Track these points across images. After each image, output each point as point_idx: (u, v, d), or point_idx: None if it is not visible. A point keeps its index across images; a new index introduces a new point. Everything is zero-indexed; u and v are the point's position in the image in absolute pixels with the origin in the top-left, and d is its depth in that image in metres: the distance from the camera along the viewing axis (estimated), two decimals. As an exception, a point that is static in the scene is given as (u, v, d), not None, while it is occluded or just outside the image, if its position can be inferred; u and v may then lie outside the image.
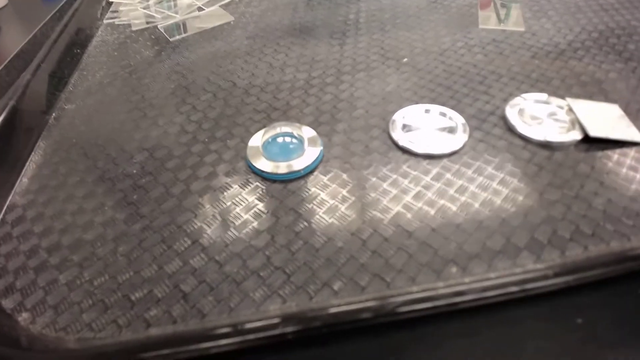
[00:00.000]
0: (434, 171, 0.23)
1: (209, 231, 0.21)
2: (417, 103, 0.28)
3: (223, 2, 0.42)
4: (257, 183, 0.23)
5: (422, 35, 0.35)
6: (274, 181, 0.23)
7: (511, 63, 0.31)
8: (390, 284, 0.18)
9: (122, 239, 0.21)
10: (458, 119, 0.26)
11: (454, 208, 0.21)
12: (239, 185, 0.23)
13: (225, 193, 0.23)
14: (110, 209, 0.23)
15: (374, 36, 0.35)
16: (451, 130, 0.25)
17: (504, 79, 0.29)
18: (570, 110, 0.26)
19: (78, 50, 0.37)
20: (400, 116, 0.26)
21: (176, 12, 0.40)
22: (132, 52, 0.36)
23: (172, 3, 0.42)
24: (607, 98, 0.27)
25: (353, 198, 0.22)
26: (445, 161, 0.24)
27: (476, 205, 0.21)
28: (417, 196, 0.22)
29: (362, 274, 0.19)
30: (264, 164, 0.24)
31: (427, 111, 0.27)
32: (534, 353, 0.16)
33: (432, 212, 0.21)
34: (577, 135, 0.24)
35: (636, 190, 0.22)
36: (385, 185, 0.23)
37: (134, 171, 0.25)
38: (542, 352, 0.17)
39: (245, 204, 0.22)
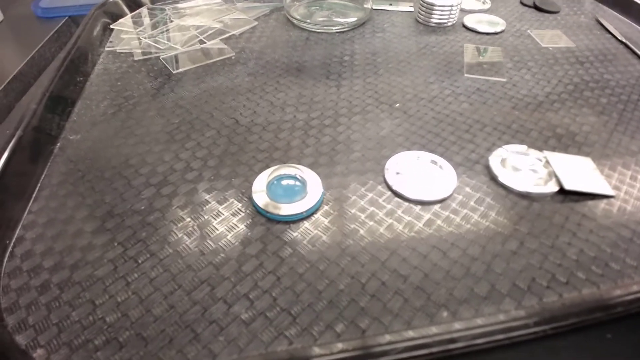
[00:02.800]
0: (426, 217, 0.25)
1: (216, 272, 0.22)
2: (408, 149, 0.30)
3: (224, 36, 0.44)
4: (262, 223, 0.25)
5: (412, 81, 0.37)
6: (278, 222, 0.25)
7: (494, 113, 0.34)
8: (388, 327, 0.20)
9: (132, 276, 0.22)
10: (447, 167, 0.28)
11: (442, 254, 0.23)
12: (245, 226, 0.25)
13: (232, 233, 0.24)
14: (120, 245, 0.24)
15: (368, 79, 0.38)
16: (441, 177, 0.28)
17: (488, 129, 0.32)
18: (548, 162, 0.29)
19: (81, 79, 0.38)
20: (394, 161, 0.29)
21: (185, 42, 0.42)
22: (134, 82, 0.37)
23: (171, 35, 0.44)
24: (580, 151, 0.30)
25: (352, 241, 0.24)
26: (436, 208, 0.26)
27: (462, 251, 0.23)
28: (412, 241, 0.24)
29: (362, 317, 0.20)
30: (268, 205, 0.25)
31: (418, 158, 0.29)
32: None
33: (424, 258, 0.23)
34: (554, 187, 0.27)
35: (605, 240, 0.24)
36: (381, 229, 0.25)
37: (142, 207, 0.26)
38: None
39: (251, 245, 0.24)
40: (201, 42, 0.43)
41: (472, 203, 0.26)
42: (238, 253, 0.23)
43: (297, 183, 0.27)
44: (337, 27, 0.46)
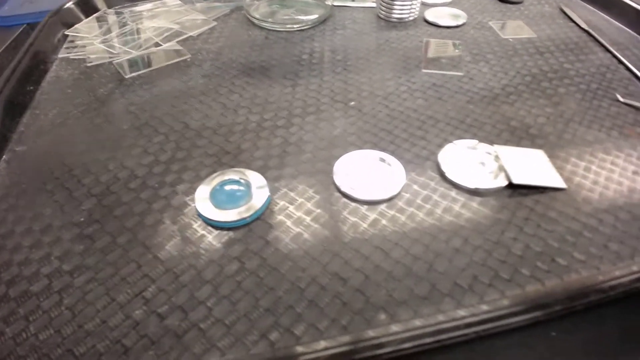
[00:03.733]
0: (371, 217, 0.25)
1: (152, 284, 0.22)
2: (360, 148, 0.30)
3: (181, 38, 0.43)
4: (204, 231, 0.24)
5: (369, 78, 0.37)
6: (221, 229, 0.24)
7: (448, 108, 0.33)
8: (324, 333, 0.20)
9: (67, 291, 0.22)
10: (396, 165, 0.28)
11: (385, 255, 0.23)
12: (187, 234, 0.24)
13: (171, 242, 0.24)
14: (57, 259, 0.23)
15: (325, 78, 0.37)
16: (389, 175, 0.27)
17: (441, 124, 0.32)
18: (498, 157, 0.28)
19: (31, 87, 0.37)
20: (343, 161, 0.28)
21: (140, 46, 0.41)
22: (85, 89, 0.36)
23: (126, 38, 0.43)
24: (533, 143, 0.30)
25: (295, 246, 0.23)
26: (382, 207, 0.25)
27: (405, 251, 0.23)
28: (354, 243, 0.23)
29: (298, 323, 0.20)
30: (211, 212, 0.25)
31: (366, 157, 0.28)
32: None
33: (367, 259, 0.23)
34: (502, 182, 0.26)
35: (552, 235, 0.24)
36: (326, 232, 0.24)
37: (82, 219, 0.25)
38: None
39: (191, 253, 0.23)
40: (157, 44, 0.42)
41: (418, 201, 0.26)
42: (176, 263, 0.23)
43: (241, 188, 0.26)
44: (297, 25, 0.45)
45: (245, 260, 0.23)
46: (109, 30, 0.44)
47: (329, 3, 0.47)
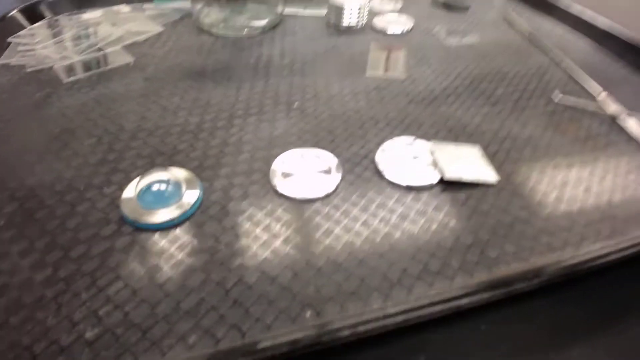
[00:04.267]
0: (306, 215, 0.24)
1: (68, 293, 0.21)
2: (300, 147, 0.29)
3: (125, 43, 0.42)
4: (130, 234, 0.23)
5: (314, 81, 0.37)
6: (148, 230, 0.23)
7: (389, 109, 0.34)
8: (246, 333, 0.19)
9: (-28, 300, 0.20)
10: (332, 162, 0.28)
11: (317, 251, 0.22)
12: (110, 237, 0.23)
13: (94, 247, 0.23)
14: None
15: (270, 81, 0.37)
16: (326, 173, 0.27)
17: (380, 125, 0.32)
18: (432, 152, 0.28)
19: (-39, 93, 0.35)
20: (280, 161, 0.28)
21: (81, 51, 0.40)
22: (22, 94, 0.35)
23: (69, 44, 0.41)
24: (469, 140, 0.30)
25: (223, 247, 0.23)
26: (317, 204, 0.25)
27: (337, 248, 0.23)
28: (286, 241, 0.23)
29: (219, 325, 0.19)
30: (138, 213, 0.24)
31: (302, 155, 0.28)
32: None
33: (298, 256, 0.22)
34: (435, 178, 0.27)
35: (483, 227, 0.24)
36: (257, 230, 0.24)
37: (1, 223, 0.24)
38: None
39: (113, 258, 0.22)
40: (99, 49, 0.41)
41: (353, 197, 0.26)
42: (95, 266, 0.22)
43: (169, 188, 0.25)
44: (246, 30, 0.45)
45: (172, 262, 0.22)
46: (52, 37, 0.43)
47: (280, 11, 0.47)
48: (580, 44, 0.45)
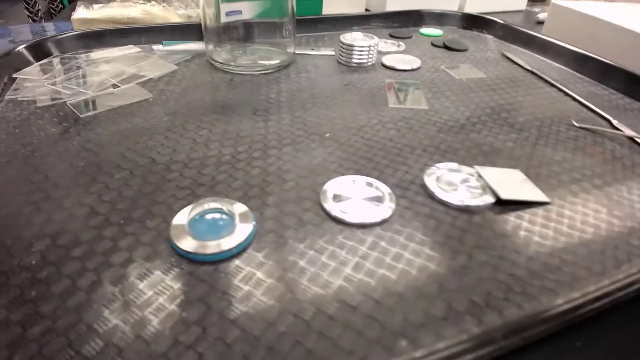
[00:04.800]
0: (369, 240, 0.23)
1: (126, 329, 0.18)
2: (343, 174, 0.28)
3: (140, 80, 0.41)
4: (184, 266, 0.21)
5: (340, 114, 0.37)
6: (203, 263, 0.21)
7: (421, 137, 0.34)
8: (340, 367, 0.17)
9: (18, 344, 0.17)
10: (384, 189, 0.27)
11: (393, 277, 0.21)
12: (161, 271, 0.21)
13: (145, 281, 0.20)
14: (4, 309, 0.19)
15: (296, 114, 0.37)
16: (379, 199, 0.26)
17: (418, 151, 0.32)
18: (480, 176, 0.28)
19: (-34, 129, 0.32)
20: (330, 187, 0.27)
21: (96, 87, 0.38)
22: (36, 129, 0.33)
23: (81, 80, 0.40)
24: (508, 165, 0.31)
25: (291, 275, 0.21)
26: (377, 229, 0.24)
27: (413, 272, 0.21)
28: (356, 267, 0.22)
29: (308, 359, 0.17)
30: (190, 245, 0.22)
31: (354, 182, 0.27)
32: None
33: (373, 283, 0.21)
34: (490, 199, 0.26)
35: (554, 247, 0.23)
36: (323, 258, 0.22)
37: (33, 262, 0.21)
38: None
39: (169, 292, 0.20)
40: (114, 86, 0.40)
41: (413, 222, 0.25)
42: (153, 305, 0.19)
43: (224, 217, 0.24)
44: (260, 69, 0.45)
45: (237, 295, 0.20)
46: (61, 73, 0.41)
47: (291, 51, 0.48)
48: (577, 79, 0.48)
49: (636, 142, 0.35)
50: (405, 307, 0.20)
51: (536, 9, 0.92)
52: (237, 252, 0.22)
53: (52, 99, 0.37)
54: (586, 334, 0.20)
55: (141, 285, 0.20)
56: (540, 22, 0.78)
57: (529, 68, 0.49)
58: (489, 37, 0.61)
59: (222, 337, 0.18)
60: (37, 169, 0.28)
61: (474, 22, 0.64)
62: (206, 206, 0.24)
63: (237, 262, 0.22)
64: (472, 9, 0.81)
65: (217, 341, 0.18)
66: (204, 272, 0.21)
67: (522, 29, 0.57)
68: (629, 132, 0.36)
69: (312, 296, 0.20)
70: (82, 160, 0.29)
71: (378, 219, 0.25)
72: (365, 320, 0.19)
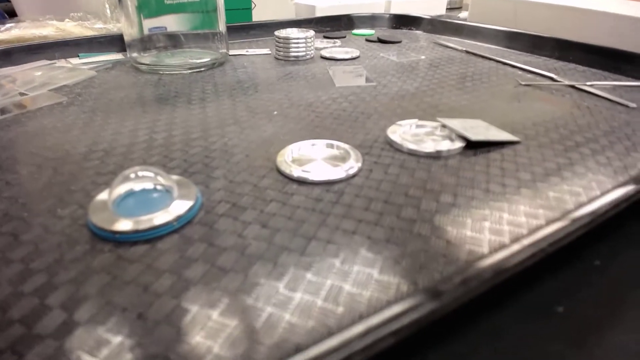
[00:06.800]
0: (337, 195, 0.20)
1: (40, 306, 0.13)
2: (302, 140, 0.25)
3: (52, 87, 0.36)
4: (110, 250, 0.16)
5: (286, 95, 0.34)
6: (135, 242, 0.17)
7: (375, 105, 0.32)
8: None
9: None
10: (347, 147, 0.24)
11: (358, 225, 0.18)
12: (81, 258, 0.16)
13: (61, 275, 0.15)
14: None
15: (238, 99, 0.33)
16: (343, 158, 0.23)
17: (374, 117, 0.29)
18: (444, 126, 0.26)
19: None
20: (288, 152, 0.23)
21: (15, 90, 0.33)
22: None
23: (8, 86, 0.34)
24: (469, 117, 0.29)
25: (251, 241, 0.17)
26: (345, 184, 0.21)
27: (394, 219, 0.18)
28: (320, 218, 0.18)
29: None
30: (118, 224, 0.17)
31: (313, 145, 0.24)
32: None
33: (335, 230, 0.17)
34: (460, 144, 0.24)
35: (529, 179, 0.21)
36: (291, 223, 0.18)
37: None
38: None
39: (91, 282, 0.15)
40: (21, 94, 0.34)
41: (385, 174, 0.22)
42: (73, 297, 0.14)
43: (158, 187, 0.19)
44: (192, 67, 0.42)
45: (183, 270, 0.15)
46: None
47: (224, 51, 0.45)
48: (510, 53, 0.49)
49: (577, 88, 0.35)
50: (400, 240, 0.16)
51: (456, 14, 0.98)
52: (181, 225, 0.18)
53: (-61, 111, 0.31)
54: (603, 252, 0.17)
55: (55, 280, 0.15)
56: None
57: (464, 49, 0.49)
58: (419, 32, 0.62)
59: (166, 321, 0.13)
60: None
61: (403, 21, 0.65)
62: (133, 177, 0.19)
63: (180, 236, 0.17)
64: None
65: (156, 324, 0.13)
66: (138, 252, 0.16)
67: (450, 20, 0.59)
68: (568, 82, 0.36)
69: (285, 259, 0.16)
70: (-26, 162, 0.23)
71: (343, 175, 0.21)
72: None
